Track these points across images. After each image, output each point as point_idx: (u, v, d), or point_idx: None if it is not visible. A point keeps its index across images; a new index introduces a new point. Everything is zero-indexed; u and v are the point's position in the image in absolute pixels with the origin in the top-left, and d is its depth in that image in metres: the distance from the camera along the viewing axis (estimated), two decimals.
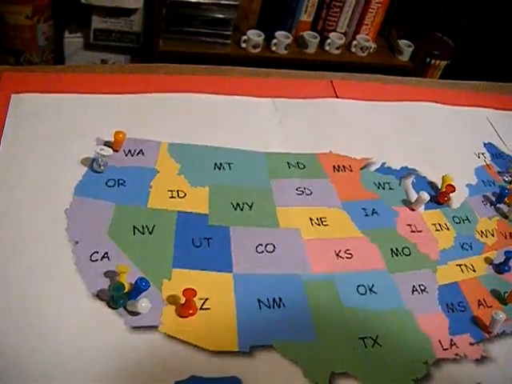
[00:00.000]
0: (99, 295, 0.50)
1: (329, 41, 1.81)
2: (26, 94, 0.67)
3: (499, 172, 0.77)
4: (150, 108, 0.70)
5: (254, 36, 1.75)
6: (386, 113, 0.80)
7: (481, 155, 0.79)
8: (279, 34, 1.77)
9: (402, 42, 1.89)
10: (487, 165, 0.77)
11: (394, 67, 1.88)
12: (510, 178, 0.76)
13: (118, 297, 0.49)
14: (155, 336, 0.49)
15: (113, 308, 0.50)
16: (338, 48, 1.83)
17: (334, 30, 1.84)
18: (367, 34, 1.87)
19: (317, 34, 1.81)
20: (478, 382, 0.52)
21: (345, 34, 1.85)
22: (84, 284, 0.51)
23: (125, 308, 0.50)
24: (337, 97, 0.80)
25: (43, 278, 0.50)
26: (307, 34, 1.80)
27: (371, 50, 1.86)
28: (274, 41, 1.76)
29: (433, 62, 1.99)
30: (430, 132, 0.79)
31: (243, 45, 1.75)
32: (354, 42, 1.85)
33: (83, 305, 0.49)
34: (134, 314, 0.49)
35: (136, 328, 0.49)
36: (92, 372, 0.45)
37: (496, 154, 0.80)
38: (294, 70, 0.85)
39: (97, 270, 0.52)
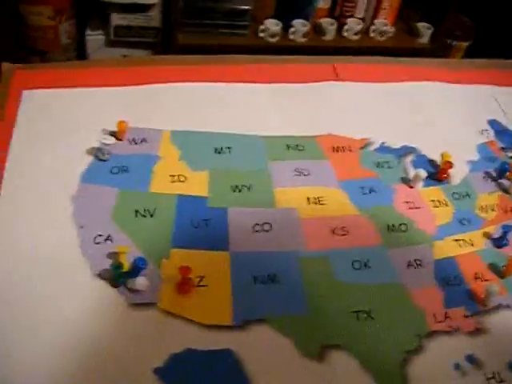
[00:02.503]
0: (101, 275, 0.53)
1: (346, 27, 1.80)
2: (36, 89, 0.71)
3: (503, 148, 0.77)
4: (153, 99, 0.72)
5: (272, 25, 1.75)
6: (388, 93, 0.81)
7: (484, 132, 0.79)
8: (297, 22, 1.77)
9: (421, 25, 1.86)
10: (490, 141, 0.77)
11: (413, 51, 1.86)
12: None
13: (117, 275, 0.52)
14: (154, 312, 0.51)
15: (114, 286, 0.52)
16: (356, 34, 1.82)
17: (352, 16, 1.84)
18: (385, 19, 1.85)
19: (334, 21, 1.80)
20: (469, 354, 0.53)
21: (363, 19, 1.84)
22: (88, 265, 0.54)
23: (125, 286, 0.52)
24: (338, 80, 0.81)
25: (49, 261, 0.53)
26: (325, 21, 1.80)
27: (390, 34, 1.85)
28: (292, 29, 1.76)
29: (454, 43, 1.96)
30: (433, 111, 0.80)
31: (261, 34, 1.75)
32: (373, 27, 1.83)
33: (87, 284, 0.52)
34: (134, 291, 0.52)
35: (136, 305, 0.51)
36: (95, 347, 0.48)
37: (500, 130, 0.79)
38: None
39: (100, 251, 0.55)
